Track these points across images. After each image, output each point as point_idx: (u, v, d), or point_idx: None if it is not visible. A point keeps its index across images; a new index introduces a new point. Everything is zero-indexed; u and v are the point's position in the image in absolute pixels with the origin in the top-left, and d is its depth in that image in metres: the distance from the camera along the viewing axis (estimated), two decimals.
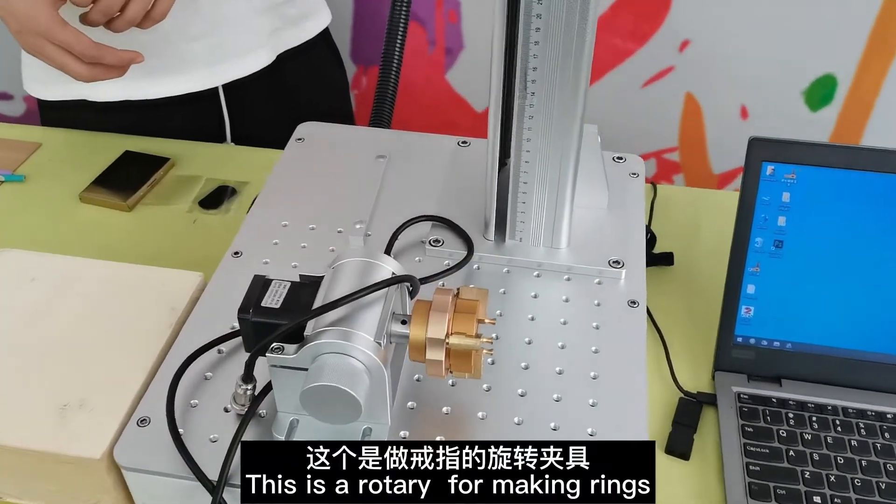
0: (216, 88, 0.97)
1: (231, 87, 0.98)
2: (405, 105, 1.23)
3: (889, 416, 0.64)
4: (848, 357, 0.66)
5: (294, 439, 0.51)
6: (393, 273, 0.52)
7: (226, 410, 0.53)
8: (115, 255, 0.78)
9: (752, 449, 0.62)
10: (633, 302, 0.61)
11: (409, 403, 0.54)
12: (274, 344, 0.48)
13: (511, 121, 0.60)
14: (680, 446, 0.64)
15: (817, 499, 0.59)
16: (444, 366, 0.49)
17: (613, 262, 0.63)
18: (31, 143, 0.95)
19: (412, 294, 0.54)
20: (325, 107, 1.08)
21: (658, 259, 0.79)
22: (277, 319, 0.50)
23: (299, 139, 0.78)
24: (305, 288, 0.52)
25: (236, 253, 0.65)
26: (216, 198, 0.87)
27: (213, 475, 0.48)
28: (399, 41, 0.83)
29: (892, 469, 0.60)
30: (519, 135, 0.59)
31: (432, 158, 0.75)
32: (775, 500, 0.59)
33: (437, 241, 0.66)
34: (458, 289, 0.51)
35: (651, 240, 0.80)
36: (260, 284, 0.52)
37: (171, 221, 0.85)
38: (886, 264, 0.65)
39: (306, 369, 0.48)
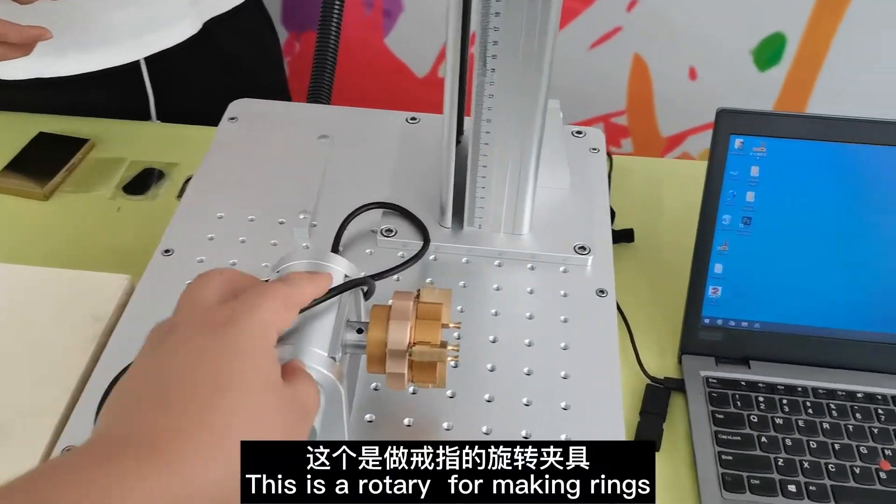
0: (137, 61, 0.88)
1: (154, 59, 0.89)
2: (342, 72, 1.16)
3: (859, 395, 0.63)
4: (817, 335, 0.64)
5: None
6: (345, 276, 0.47)
7: None
8: (30, 250, 0.70)
9: (723, 437, 0.60)
10: (602, 291, 0.57)
11: (367, 416, 0.49)
12: None
13: (465, 95, 0.55)
14: (649, 437, 0.61)
15: (792, 487, 0.57)
16: (406, 378, 0.44)
17: (579, 247, 0.59)
18: None
19: (367, 295, 0.49)
20: (258, 77, 1.00)
21: (618, 236, 0.76)
22: None
23: (232, 118, 0.71)
24: None
25: (167, 251, 0.59)
26: (142, 182, 0.80)
27: None
28: (337, 7, 0.76)
29: (865, 452, 0.59)
30: (478, 114, 0.54)
31: (379, 137, 0.70)
32: (750, 490, 0.57)
33: (389, 230, 0.61)
34: (418, 290, 0.47)
35: (610, 215, 0.77)
36: None
37: (93, 210, 0.77)
38: (856, 238, 0.62)
39: None
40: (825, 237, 0.63)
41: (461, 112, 0.59)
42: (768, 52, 1.26)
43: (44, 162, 0.80)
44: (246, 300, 0.37)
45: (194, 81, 0.94)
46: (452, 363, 0.51)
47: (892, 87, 1.24)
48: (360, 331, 0.45)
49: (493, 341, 0.54)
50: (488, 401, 0.50)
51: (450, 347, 0.44)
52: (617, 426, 0.49)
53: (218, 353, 0.35)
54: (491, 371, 0.52)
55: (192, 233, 0.61)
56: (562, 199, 0.64)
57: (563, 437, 0.49)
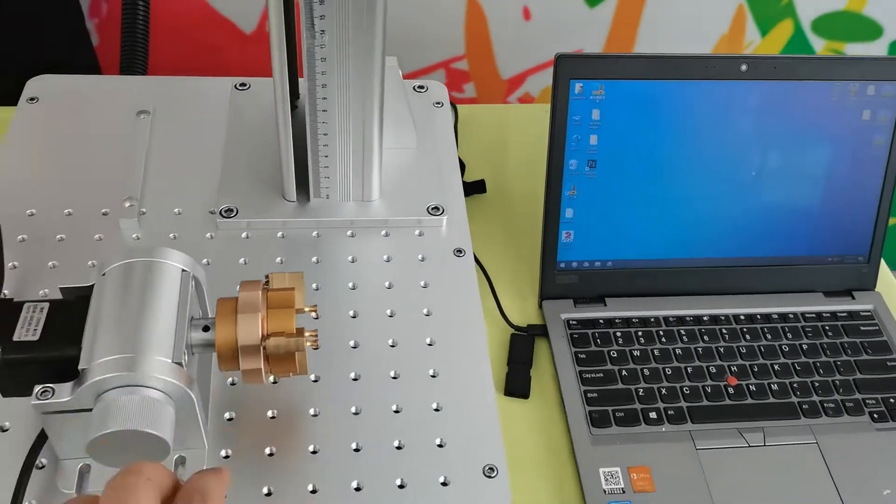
0: None
1: None
2: (158, 35, 1.06)
3: (705, 318, 0.66)
4: (663, 267, 0.67)
5: (88, 490, 0.42)
6: (182, 269, 0.43)
7: None
8: None
9: (587, 376, 0.62)
10: (459, 251, 0.56)
11: (227, 414, 0.46)
12: (39, 386, 0.38)
13: (297, 58, 0.51)
14: (518, 386, 0.61)
15: (653, 414, 0.59)
16: (263, 373, 0.42)
17: (432, 208, 0.58)
18: None
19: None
20: (58, 48, 0.90)
21: (470, 189, 0.75)
22: (38, 354, 0.39)
23: (32, 99, 0.63)
24: (70, 306, 0.41)
25: None
26: None
27: None
28: None
29: (714, 371, 0.62)
30: (311, 80, 0.51)
31: (206, 108, 0.64)
32: (615, 423, 0.59)
33: (229, 210, 0.56)
34: (267, 277, 0.43)
35: (460, 168, 0.76)
36: (7, 311, 0.40)
37: None
38: (693, 171, 0.65)
39: (90, 409, 0.39)
40: (663, 173, 0.65)
41: (294, 75, 0.55)
42: None
43: None
44: None
45: None
46: (313, 347, 0.49)
47: (711, 16, 1.30)
48: (206, 328, 0.42)
49: (354, 316, 0.52)
50: (354, 379, 0.48)
51: (307, 334, 0.42)
52: (487, 387, 0.49)
53: None
54: (354, 348, 0.50)
55: None
56: (410, 159, 0.62)
57: (434, 406, 0.48)
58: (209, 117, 0.63)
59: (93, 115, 0.63)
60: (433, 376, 0.49)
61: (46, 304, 0.41)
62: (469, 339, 0.51)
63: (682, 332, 0.65)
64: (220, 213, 0.56)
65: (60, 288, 0.42)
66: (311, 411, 0.47)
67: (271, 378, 0.48)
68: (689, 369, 0.62)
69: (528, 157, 0.79)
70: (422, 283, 0.54)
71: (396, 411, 0.47)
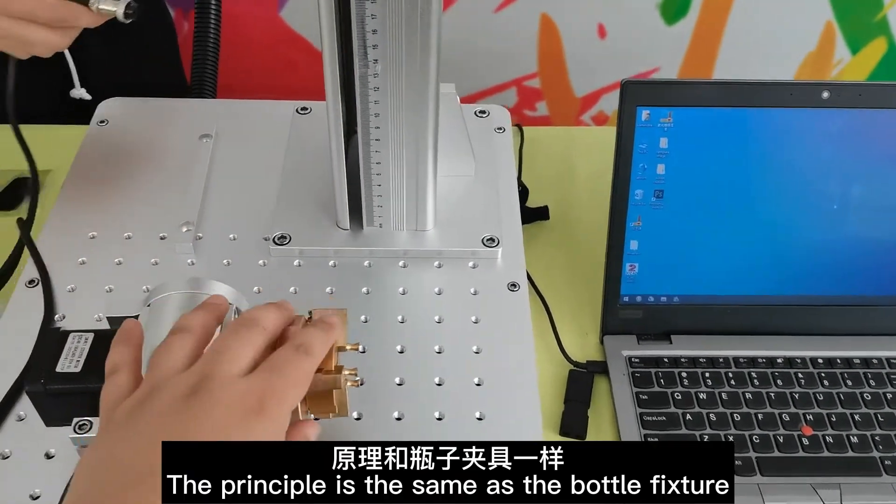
0: None
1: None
2: (235, 50, 1.08)
3: (779, 360, 0.62)
4: (735, 303, 0.63)
5: None
6: (229, 304, 0.42)
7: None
8: None
9: (648, 419, 0.58)
10: (514, 285, 0.54)
11: None
12: (78, 419, 0.38)
13: (353, 88, 0.50)
14: (575, 426, 0.59)
15: None
16: (300, 411, 0.41)
17: (487, 240, 0.56)
18: None
19: None
20: (156, 70, 0.91)
21: (533, 215, 0.73)
22: (79, 385, 0.39)
23: (102, 121, 0.65)
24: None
25: (31, 281, 0.53)
26: (13, 195, 0.72)
27: None
28: None
29: (787, 419, 0.58)
30: (365, 107, 0.50)
31: (267, 132, 0.64)
32: None
33: (283, 237, 0.56)
34: (310, 312, 0.42)
35: (523, 193, 0.74)
36: (53, 341, 0.41)
37: None
38: (769, 203, 0.61)
39: None
40: (736, 204, 0.61)
41: (349, 102, 0.54)
42: (675, 4, 1.24)
43: None
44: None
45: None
46: (354, 386, 0.47)
47: (797, 34, 1.24)
48: None
49: (401, 351, 0.50)
50: (398, 419, 0.47)
51: (346, 372, 0.41)
52: (535, 432, 0.46)
53: None
54: (399, 385, 0.48)
55: (61, 257, 0.54)
56: (467, 187, 0.60)
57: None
58: (270, 141, 0.63)
59: (157, 138, 0.64)
60: (479, 419, 0.47)
61: (91, 336, 0.41)
62: (519, 380, 0.49)
63: (754, 374, 0.61)
64: (274, 240, 0.56)
65: (108, 317, 0.43)
66: None
67: (311, 417, 0.47)
68: (760, 416, 0.58)
69: (595, 182, 0.77)
70: (473, 319, 0.52)
71: None
